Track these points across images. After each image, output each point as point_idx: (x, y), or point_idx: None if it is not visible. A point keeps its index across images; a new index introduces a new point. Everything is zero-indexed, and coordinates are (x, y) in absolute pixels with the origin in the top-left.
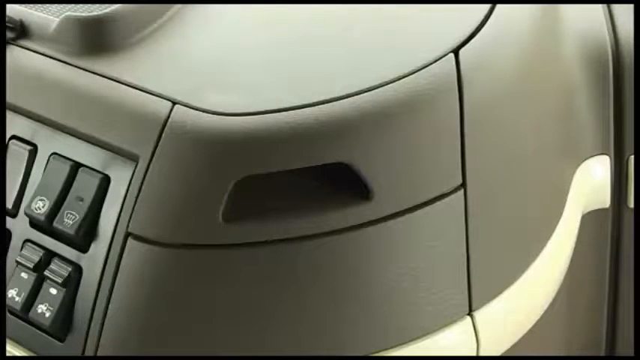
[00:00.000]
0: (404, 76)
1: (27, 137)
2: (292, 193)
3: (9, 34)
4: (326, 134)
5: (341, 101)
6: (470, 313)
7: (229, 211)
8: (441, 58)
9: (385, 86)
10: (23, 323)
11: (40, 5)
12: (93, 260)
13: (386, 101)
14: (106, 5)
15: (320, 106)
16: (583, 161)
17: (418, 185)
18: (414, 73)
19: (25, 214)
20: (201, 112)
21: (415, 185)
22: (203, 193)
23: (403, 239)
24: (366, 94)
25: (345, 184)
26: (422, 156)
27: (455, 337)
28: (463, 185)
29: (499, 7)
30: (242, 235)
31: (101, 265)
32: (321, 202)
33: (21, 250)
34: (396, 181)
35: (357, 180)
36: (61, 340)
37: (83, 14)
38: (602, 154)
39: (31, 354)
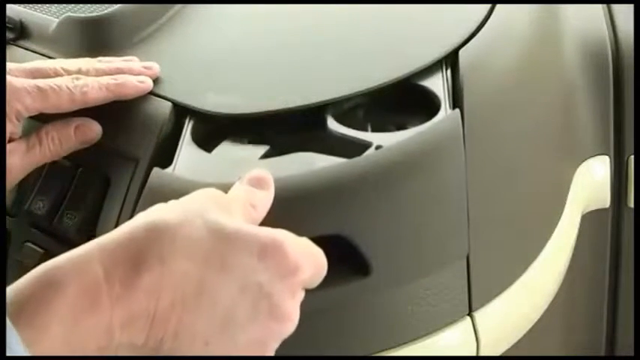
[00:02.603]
0: (410, 73)
1: None
2: None
3: (9, 35)
4: (320, 202)
5: (332, 167)
6: (470, 313)
7: None
8: (441, 58)
9: (383, 152)
10: None
11: (40, 5)
12: None
13: (385, 162)
14: (106, 5)
15: (312, 171)
16: (583, 161)
17: (421, 257)
18: (416, 72)
19: (25, 214)
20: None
21: (417, 258)
22: None
23: None
24: (362, 157)
25: (338, 253)
26: (425, 222)
27: (455, 337)
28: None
29: (499, 7)
30: None
31: None
32: None
33: (21, 250)
34: (396, 255)
35: (354, 252)
36: None
37: (83, 14)
38: (602, 154)
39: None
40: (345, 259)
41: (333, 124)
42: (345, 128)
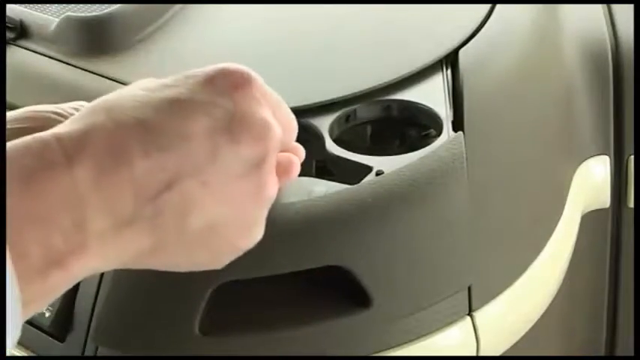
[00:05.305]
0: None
1: None
2: (278, 299)
3: (9, 34)
4: (319, 232)
5: (332, 195)
6: (470, 313)
7: (206, 322)
8: (441, 58)
9: (385, 179)
10: (24, 323)
11: (40, 5)
12: None
13: (386, 191)
14: (106, 5)
15: (310, 199)
16: (583, 161)
17: (423, 289)
18: (416, 72)
19: None
20: None
21: (420, 289)
22: (177, 302)
23: None
24: (362, 185)
25: (336, 285)
26: (428, 252)
27: (455, 337)
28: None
29: (499, 7)
30: (221, 348)
31: None
32: (312, 312)
33: None
34: (398, 286)
35: (354, 283)
36: (61, 340)
37: (83, 14)
38: (602, 154)
39: (31, 354)
40: (345, 291)
41: (331, 147)
42: (343, 151)
